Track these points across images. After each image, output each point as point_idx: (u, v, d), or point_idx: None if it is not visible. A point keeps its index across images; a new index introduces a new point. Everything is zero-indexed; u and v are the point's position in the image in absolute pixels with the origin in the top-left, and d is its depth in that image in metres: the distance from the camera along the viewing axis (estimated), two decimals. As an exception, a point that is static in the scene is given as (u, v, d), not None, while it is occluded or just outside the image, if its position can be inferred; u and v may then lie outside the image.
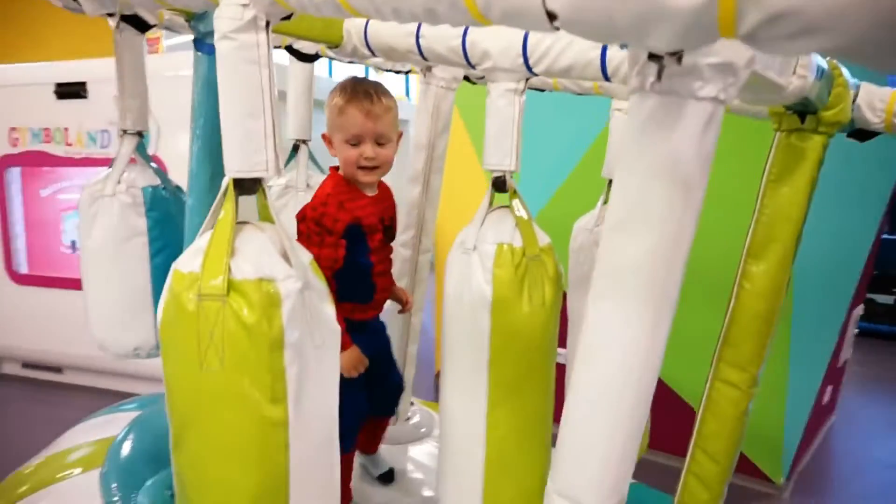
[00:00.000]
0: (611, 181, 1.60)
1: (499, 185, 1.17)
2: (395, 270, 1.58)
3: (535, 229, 1.13)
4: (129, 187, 1.54)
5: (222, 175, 0.80)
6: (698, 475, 1.32)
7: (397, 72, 1.83)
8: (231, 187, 0.79)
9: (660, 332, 0.71)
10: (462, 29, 1.18)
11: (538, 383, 1.15)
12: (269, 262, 0.77)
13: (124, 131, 1.56)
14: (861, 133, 1.28)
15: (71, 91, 3.39)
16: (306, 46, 1.70)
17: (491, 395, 1.10)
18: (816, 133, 1.12)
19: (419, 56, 1.26)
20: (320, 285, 0.84)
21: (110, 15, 1.43)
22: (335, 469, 0.84)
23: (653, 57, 0.63)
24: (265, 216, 0.83)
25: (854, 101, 1.18)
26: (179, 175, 1.55)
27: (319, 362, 0.81)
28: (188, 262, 0.77)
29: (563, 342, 1.46)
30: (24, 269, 3.88)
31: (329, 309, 0.85)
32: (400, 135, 1.43)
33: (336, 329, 0.85)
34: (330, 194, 1.33)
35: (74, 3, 1.22)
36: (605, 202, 1.62)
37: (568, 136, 2.95)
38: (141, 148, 1.62)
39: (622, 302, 0.70)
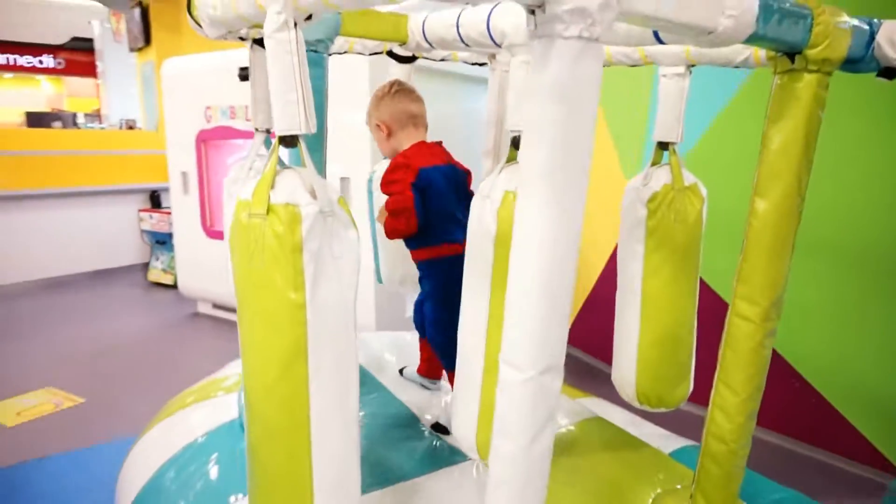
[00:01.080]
0: (659, 144, 1.77)
1: (516, 143, 1.45)
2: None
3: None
4: (257, 174, 2.01)
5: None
6: (721, 407, 1.46)
7: (481, 64, 2.14)
8: (277, 142, 1.17)
9: (570, 223, 0.93)
10: (487, 15, 1.46)
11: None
12: (296, 193, 1.13)
13: (256, 129, 1.95)
14: (889, 71, 1.32)
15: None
16: (404, 50, 2.06)
17: (490, 317, 1.44)
18: (808, 72, 1.22)
19: (461, 42, 1.55)
20: (345, 217, 1.19)
21: (242, 39, 1.89)
22: (349, 347, 1.19)
23: (529, 11, 0.88)
24: (303, 163, 1.19)
25: (872, 39, 1.25)
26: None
27: (337, 268, 1.16)
28: (246, 192, 1.15)
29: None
30: (217, 226, 4.76)
31: (352, 234, 1.20)
32: (378, 126, 2.03)
33: (356, 248, 1.20)
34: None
35: (198, 25, 1.63)
36: (654, 163, 1.78)
37: (697, 103, 3.01)
38: (267, 142, 2.03)
39: (538, 201, 0.92)
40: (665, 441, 1.98)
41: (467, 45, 1.56)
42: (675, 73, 1.66)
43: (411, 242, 1.97)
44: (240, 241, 1.14)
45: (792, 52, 1.22)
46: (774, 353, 2.89)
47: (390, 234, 1.89)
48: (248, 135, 4.28)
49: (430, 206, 1.89)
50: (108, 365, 4.03)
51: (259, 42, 1.94)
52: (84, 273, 6.41)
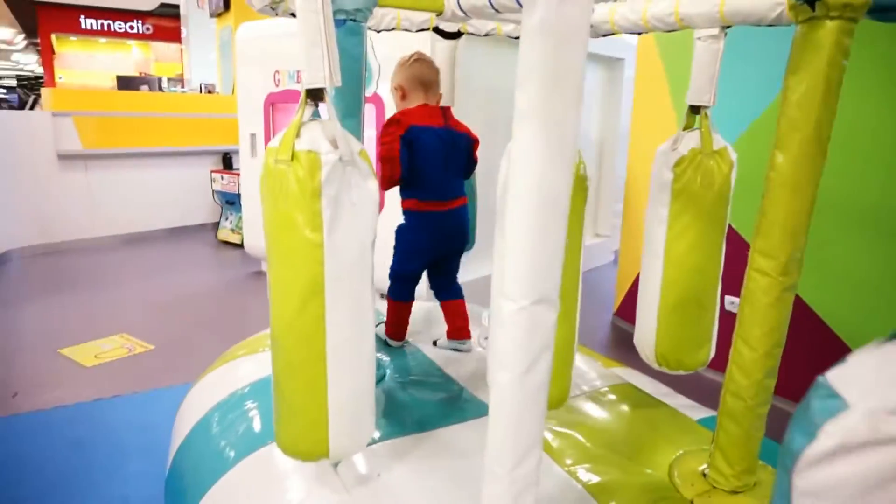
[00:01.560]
0: (691, 107, 1.78)
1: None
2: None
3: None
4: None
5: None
6: (738, 363, 1.50)
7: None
8: (304, 95, 1.27)
9: (562, 156, 0.95)
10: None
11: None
12: (318, 142, 1.23)
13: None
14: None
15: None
16: (449, 26, 2.15)
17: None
18: (829, 19, 1.21)
19: (491, 8, 1.60)
20: (365, 168, 1.29)
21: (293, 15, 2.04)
22: (361, 286, 1.30)
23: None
24: (329, 115, 1.30)
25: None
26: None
27: (354, 213, 1.26)
28: (275, 141, 1.27)
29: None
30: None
31: (371, 184, 1.30)
32: (395, 88, 2.25)
33: (374, 197, 1.30)
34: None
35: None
36: (685, 128, 1.79)
37: (760, 77, 2.95)
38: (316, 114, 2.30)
39: (529, 135, 0.95)
40: (694, 411, 2.01)
41: (497, 10, 1.61)
42: (710, 36, 1.66)
43: (401, 191, 2.21)
44: (267, 185, 1.26)
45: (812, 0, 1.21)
46: (825, 327, 2.81)
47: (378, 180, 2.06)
48: (312, 99, 4.44)
49: (416, 161, 2.10)
50: (178, 316, 4.34)
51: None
52: (161, 230, 6.84)
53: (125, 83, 8.54)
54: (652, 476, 1.61)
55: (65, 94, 6.94)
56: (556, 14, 0.90)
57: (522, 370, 1.03)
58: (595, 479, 1.56)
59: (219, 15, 8.73)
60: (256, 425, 1.84)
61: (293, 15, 1.99)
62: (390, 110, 3.85)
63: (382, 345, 2.31)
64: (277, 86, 4.65)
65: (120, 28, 16.36)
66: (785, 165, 1.32)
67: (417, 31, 2.26)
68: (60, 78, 15.78)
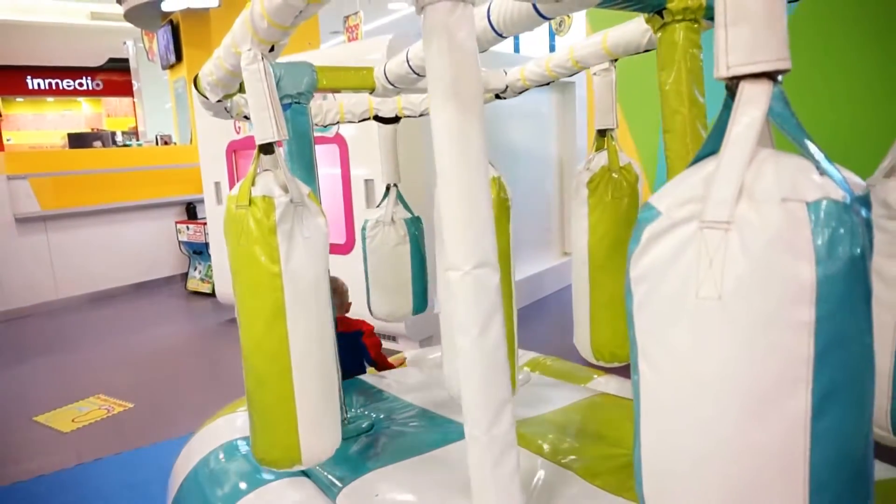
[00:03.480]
0: (598, 131, 2.12)
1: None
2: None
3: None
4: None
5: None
6: None
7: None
8: (258, 150, 1.57)
9: (471, 138, 1.23)
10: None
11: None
12: (271, 188, 1.53)
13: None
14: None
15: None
16: (387, 112, 2.58)
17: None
18: (676, 22, 1.55)
19: (414, 73, 1.95)
20: (314, 207, 1.59)
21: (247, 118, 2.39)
22: (321, 308, 1.58)
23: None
24: (278, 166, 1.59)
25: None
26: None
27: (307, 246, 1.55)
28: (234, 190, 1.56)
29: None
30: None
31: (320, 220, 1.59)
32: None
33: (323, 230, 1.60)
34: None
35: (204, 97, 2.09)
36: (596, 149, 2.13)
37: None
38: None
39: (442, 125, 1.25)
40: None
41: (418, 74, 1.96)
42: (602, 69, 2.00)
43: None
44: (230, 228, 1.55)
45: (659, 10, 1.56)
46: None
47: None
48: (277, 144, 4.74)
49: None
50: (154, 371, 4.56)
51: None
52: (127, 286, 7.06)
53: (77, 141, 8.78)
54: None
55: (19, 157, 7.19)
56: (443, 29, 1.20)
57: (477, 332, 1.23)
58: (579, 461, 1.79)
59: (171, 67, 9.07)
60: (246, 471, 2.03)
61: (247, 118, 2.37)
62: (354, 149, 4.19)
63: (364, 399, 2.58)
64: (238, 133, 4.95)
65: (69, 86, 16.68)
66: (673, 141, 1.64)
67: (360, 121, 2.65)
68: (9, 140, 16.00)
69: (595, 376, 2.59)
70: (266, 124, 1.54)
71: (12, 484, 3.03)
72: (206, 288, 6.62)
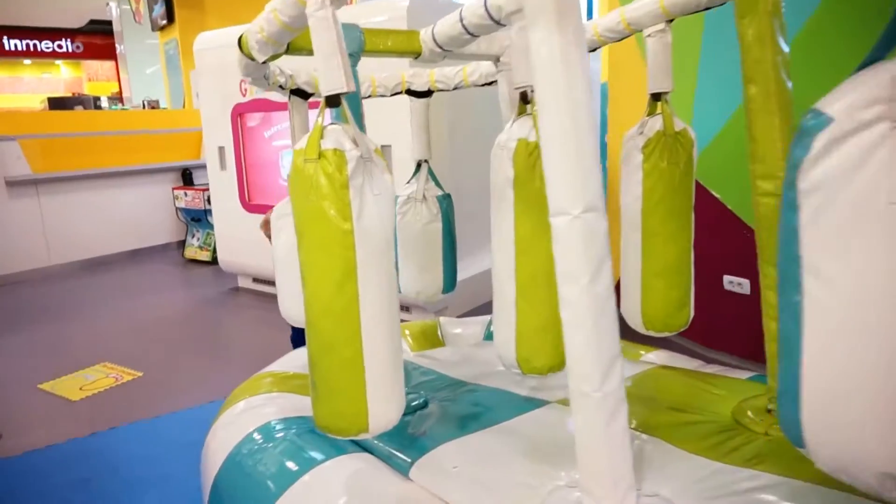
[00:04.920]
0: (652, 95, 2.06)
1: (524, 97, 1.76)
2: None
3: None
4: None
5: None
6: (769, 286, 1.74)
7: (490, 83, 2.50)
8: (324, 101, 1.49)
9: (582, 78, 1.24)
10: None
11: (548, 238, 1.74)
12: (342, 141, 1.45)
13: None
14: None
15: (281, 46, 4.45)
16: (420, 85, 2.51)
17: (517, 248, 1.73)
18: None
19: (467, 34, 1.85)
20: (381, 163, 1.52)
21: (281, 87, 2.34)
22: (388, 268, 1.52)
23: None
24: (345, 119, 1.52)
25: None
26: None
27: (377, 203, 1.48)
28: (300, 143, 1.48)
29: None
30: (256, 200, 5.15)
31: (388, 177, 1.52)
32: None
33: (392, 188, 1.53)
34: None
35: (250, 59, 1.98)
36: (649, 114, 2.06)
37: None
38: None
39: (555, 73, 1.23)
40: (738, 373, 2.26)
41: (473, 34, 1.87)
42: (658, 31, 1.94)
43: None
44: (297, 183, 1.47)
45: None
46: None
47: None
48: (284, 106, 4.57)
49: None
50: (159, 339, 4.49)
51: (297, 93, 2.37)
52: (122, 253, 6.94)
53: (58, 105, 8.52)
54: (717, 421, 1.81)
55: (9, 117, 6.98)
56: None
57: (588, 279, 1.19)
58: (663, 429, 1.75)
59: (161, 28, 8.83)
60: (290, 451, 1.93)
61: (281, 87, 2.30)
62: (368, 113, 4.09)
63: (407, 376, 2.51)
64: (245, 95, 4.82)
65: (47, 48, 16.25)
66: (757, 94, 1.58)
67: (392, 95, 2.59)
68: (-17, 103, 15.62)
69: (643, 352, 2.56)
70: (334, 73, 1.46)
71: (23, 454, 2.96)
72: (204, 255, 6.51)
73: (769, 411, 1.79)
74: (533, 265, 1.79)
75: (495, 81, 2.59)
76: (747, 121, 1.65)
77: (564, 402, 2.03)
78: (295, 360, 2.72)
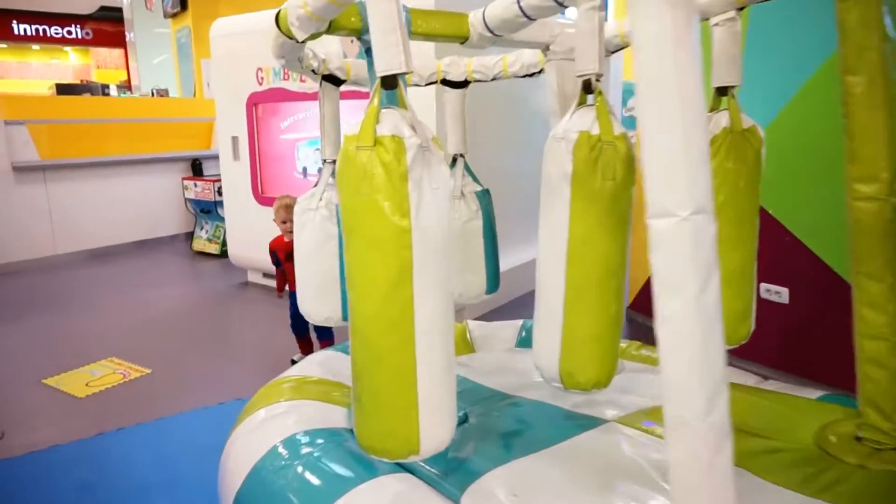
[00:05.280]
0: (718, 89, 1.90)
1: (587, 86, 1.59)
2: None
3: (612, 121, 1.54)
4: (327, 204, 2.27)
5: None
6: (867, 302, 1.57)
7: (530, 75, 2.36)
8: (379, 83, 1.32)
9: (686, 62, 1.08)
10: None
11: (610, 240, 1.56)
12: (400, 127, 1.29)
13: (324, 161, 2.32)
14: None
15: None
16: (456, 75, 2.36)
17: (570, 249, 1.57)
18: None
19: (523, 16, 1.69)
20: (439, 153, 1.35)
21: (314, 72, 2.19)
22: (446, 270, 1.35)
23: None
24: (402, 104, 1.35)
25: None
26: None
27: (434, 197, 1.32)
28: (353, 129, 1.32)
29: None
30: (269, 193, 4.98)
31: (445, 169, 1.35)
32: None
33: (449, 182, 1.36)
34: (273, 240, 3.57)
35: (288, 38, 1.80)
36: (711, 109, 1.90)
37: (798, 52, 3.07)
38: (335, 172, 2.35)
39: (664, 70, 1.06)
40: (806, 392, 2.08)
41: (530, 17, 1.71)
42: (727, 19, 1.77)
43: None
44: (348, 173, 1.31)
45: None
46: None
47: None
48: (301, 97, 4.46)
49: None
50: (168, 334, 4.32)
51: (329, 78, 2.21)
52: (129, 243, 6.78)
53: (66, 92, 8.33)
54: (799, 449, 1.63)
55: (17, 101, 6.81)
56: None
57: (696, 290, 1.04)
58: (744, 457, 1.55)
59: (174, 15, 8.67)
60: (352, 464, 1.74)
61: (314, 72, 2.18)
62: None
63: None
64: (261, 84, 4.66)
65: (56, 33, 16.07)
66: (859, 86, 1.41)
67: (426, 84, 2.44)
68: (-9, 88, 15.45)
69: None
70: (392, 51, 1.30)
71: (25, 455, 2.77)
72: (213, 248, 6.35)
73: (859, 440, 1.63)
74: (586, 270, 1.63)
75: (537, 73, 2.44)
76: (845, 116, 1.48)
77: (623, 422, 1.87)
78: (315, 364, 2.55)
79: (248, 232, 5.12)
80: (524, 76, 2.47)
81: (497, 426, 1.91)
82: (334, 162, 2.35)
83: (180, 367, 3.75)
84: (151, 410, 3.17)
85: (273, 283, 5.20)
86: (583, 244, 1.60)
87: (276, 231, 3.63)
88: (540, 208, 1.72)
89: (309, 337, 3.66)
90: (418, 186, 1.29)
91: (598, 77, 1.63)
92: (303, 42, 1.80)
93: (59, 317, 4.72)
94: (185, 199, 6.64)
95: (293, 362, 3.36)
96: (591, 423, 1.88)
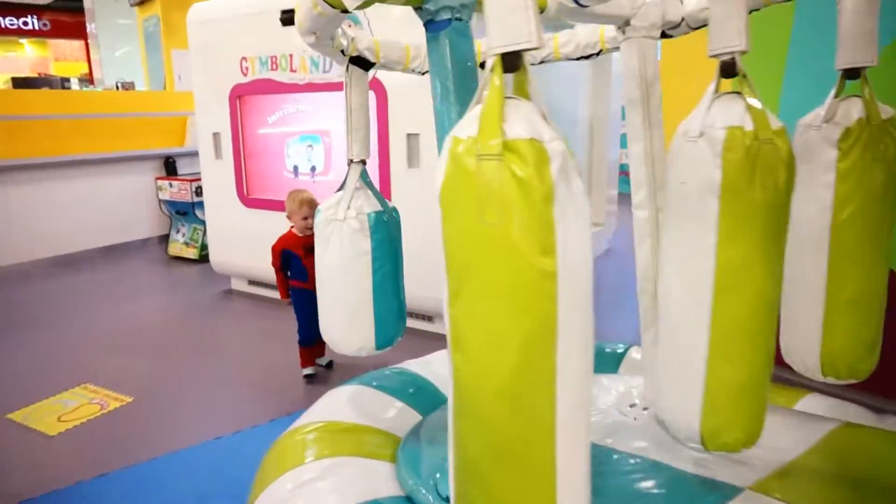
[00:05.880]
0: (845, 71, 1.58)
1: (727, 69, 1.22)
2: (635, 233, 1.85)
3: (767, 112, 1.18)
4: (357, 213, 1.89)
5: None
6: None
7: (586, 57, 2.14)
8: (498, 63, 0.93)
9: None
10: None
11: (768, 266, 1.20)
12: (537, 125, 0.90)
13: (351, 160, 1.93)
14: None
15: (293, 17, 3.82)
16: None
17: (717, 279, 1.20)
18: None
19: None
20: (573, 164, 0.96)
21: (342, 53, 1.87)
22: (592, 327, 0.97)
23: None
24: (523, 93, 0.96)
25: None
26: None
27: (578, 223, 0.93)
28: (465, 129, 0.92)
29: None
30: (255, 194, 4.52)
31: (580, 183, 0.97)
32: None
33: (587, 201, 0.97)
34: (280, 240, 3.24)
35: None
36: (836, 96, 1.58)
37: None
38: (364, 175, 1.97)
39: None
40: None
41: None
42: None
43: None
44: (463, 192, 0.91)
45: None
46: None
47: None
48: (291, 88, 4.01)
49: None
50: (148, 354, 3.83)
51: (356, 61, 1.82)
52: (97, 249, 6.21)
53: (23, 86, 7.72)
54: None
55: (-31, 97, 6.21)
56: None
57: None
58: None
59: (140, 3, 8.09)
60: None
61: (343, 52, 1.88)
62: (394, 97, 3.52)
63: None
64: (246, 75, 4.19)
65: (11, 24, 15.21)
66: None
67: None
68: (-60, 82, 14.54)
69: (799, 397, 2.05)
70: (518, 20, 0.91)
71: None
72: (190, 253, 5.85)
73: None
74: (739, 306, 1.26)
75: (595, 55, 2.09)
76: None
77: (762, 489, 1.50)
78: (339, 404, 2.14)
79: (231, 236, 4.66)
80: (578, 59, 2.13)
81: (618, 494, 1.53)
82: (363, 163, 1.98)
83: (166, 394, 3.28)
84: (138, 449, 2.72)
85: (258, 291, 4.77)
86: (736, 273, 1.23)
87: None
88: (661, 228, 1.34)
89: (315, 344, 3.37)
90: (564, 211, 0.90)
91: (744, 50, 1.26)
92: (353, 10, 1.40)
93: (24, 335, 4.18)
94: (160, 201, 6.11)
95: (310, 377, 3.34)
96: (727, 491, 1.51)
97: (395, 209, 2.02)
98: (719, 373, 1.28)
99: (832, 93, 1.61)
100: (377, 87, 3.61)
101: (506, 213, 0.88)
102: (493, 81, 0.92)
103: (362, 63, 1.91)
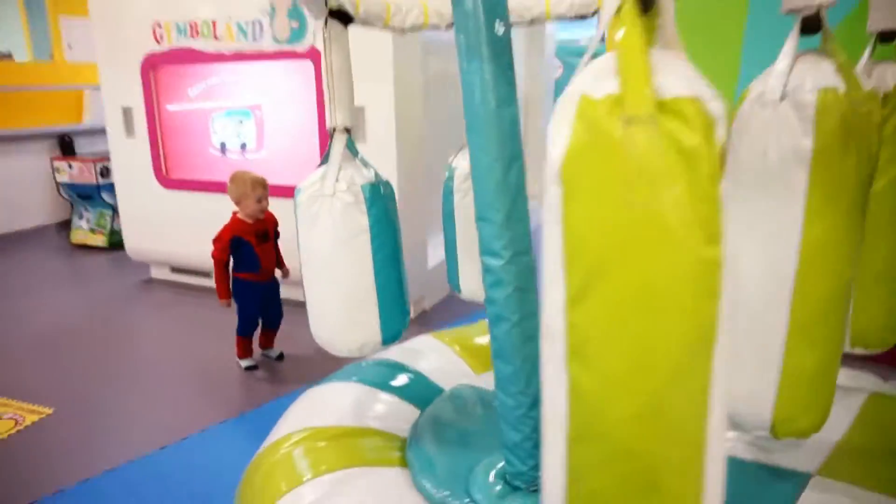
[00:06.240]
0: (881, 35, 1.51)
1: (810, 23, 1.09)
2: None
3: (856, 73, 1.07)
4: (349, 185, 1.63)
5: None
6: None
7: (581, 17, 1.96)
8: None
9: None
10: None
11: (851, 244, 1.11)
12: (694, 79, 0.71)
13: (334, 129, 1.69)
14: None
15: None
16: None
17: (802, 258, 1.10)
18: None
19: None
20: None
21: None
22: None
23: None
24: (658, 42, 0.77)
25: None
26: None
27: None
28: (597, 86, 0.72)
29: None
30: (175, 174, 4.11)
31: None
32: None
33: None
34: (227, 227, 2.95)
35: None
36: (871, 56, 1.52)
37: None
38: (350, 144, 1.72)
39: None
40: None
41: None
42: None
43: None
44: (600, 167, 0.71)
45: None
46: None
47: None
48: (215, 58, 3.63)
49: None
50: (64, 357, 3.39)
51: (337, 14, 1.57)
52: (-18, 239, 5.56)
53: None
54: None
55: None
56: None
57: None
58: None
59: (17, -38, 7.22)
60: None
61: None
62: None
63: None
64: (160, 43, 3.76)
65: None
66: None
67: (447, 27, 1.90)
68: None
69: None
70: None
71: None
72: (98, 240, 5.32)
73: None
74: (825, 286, 1.14)
75: (591, 15, 1.96)
76: None
77: (830, 474, 1.42)
78: (317, 407, 1.92)
79: (149, 220, 4.23)
80: (573, 18, 1.98)
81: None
82: (348, 131, 1.72)
83: (91, 401, 2.91)
84: (65, 468, 2.38)
85: (183, 279, 4.36)
86: (821, 253, 1.11)
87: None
88: (731, 202, 1.20)
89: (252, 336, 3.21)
90: (727, 189, 0.72)
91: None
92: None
93: None
94: (57, 184, 5.49)
95: (251, 369, 3.14)
96: (793, 479, 1.42)
97: (388, 182, 1.77)
98: (797, 357, 1.17)
99: (866, 52, 1.53)
100: (315, 55, 3.32)
101: (664, 191, 0.69)
102: (628, 24, 0.73)
103: (342, 18, 1.67)
